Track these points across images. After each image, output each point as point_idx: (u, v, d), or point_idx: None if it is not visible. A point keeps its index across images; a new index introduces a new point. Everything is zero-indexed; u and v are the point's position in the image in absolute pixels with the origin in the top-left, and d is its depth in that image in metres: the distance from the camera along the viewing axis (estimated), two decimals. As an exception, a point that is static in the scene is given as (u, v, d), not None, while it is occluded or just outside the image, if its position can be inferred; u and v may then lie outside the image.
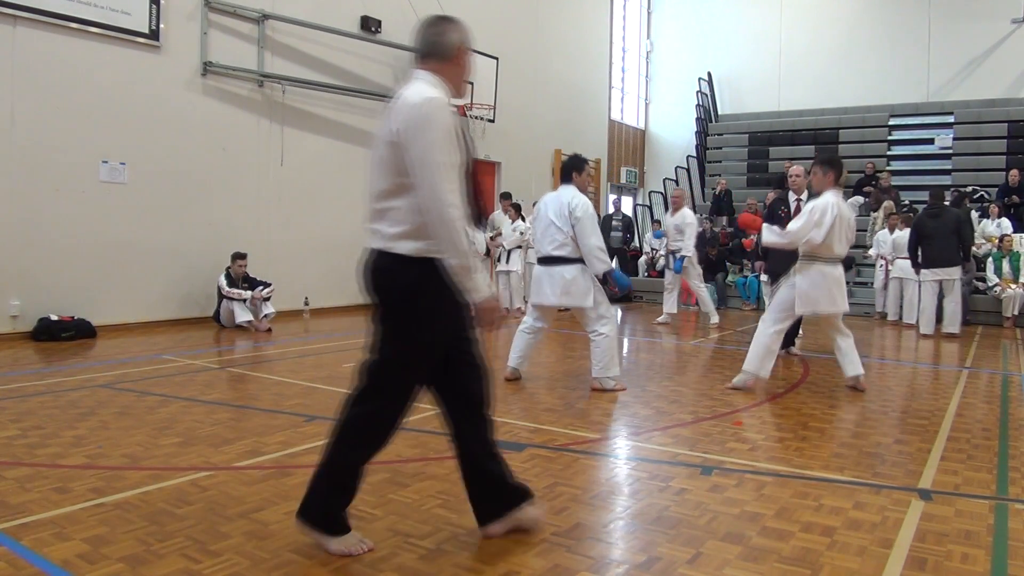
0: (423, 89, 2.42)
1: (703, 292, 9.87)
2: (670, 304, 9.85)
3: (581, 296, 5.14)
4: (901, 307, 10.21)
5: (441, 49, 2.54)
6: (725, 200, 14.53)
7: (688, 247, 9.49)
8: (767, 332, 5.37)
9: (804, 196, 6.71)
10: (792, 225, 5.24)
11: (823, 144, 15.22)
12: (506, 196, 11.11)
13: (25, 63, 7.32)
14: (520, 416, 4.50)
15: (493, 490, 2.62)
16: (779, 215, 7.06)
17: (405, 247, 2.38)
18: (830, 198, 5.21)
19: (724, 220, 14.23)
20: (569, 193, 5.16)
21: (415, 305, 2.42)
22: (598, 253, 5.06)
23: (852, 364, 5.38)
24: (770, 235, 5.36)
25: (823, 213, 5.13)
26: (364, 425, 2.57)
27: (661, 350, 7.68)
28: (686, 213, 9.66)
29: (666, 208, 11.76)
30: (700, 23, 17.76)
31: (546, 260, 5.22)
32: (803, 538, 2.69)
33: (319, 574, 2.35)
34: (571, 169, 5.31)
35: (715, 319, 9.72)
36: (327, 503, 2.49)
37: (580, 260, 5.11)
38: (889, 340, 8.82)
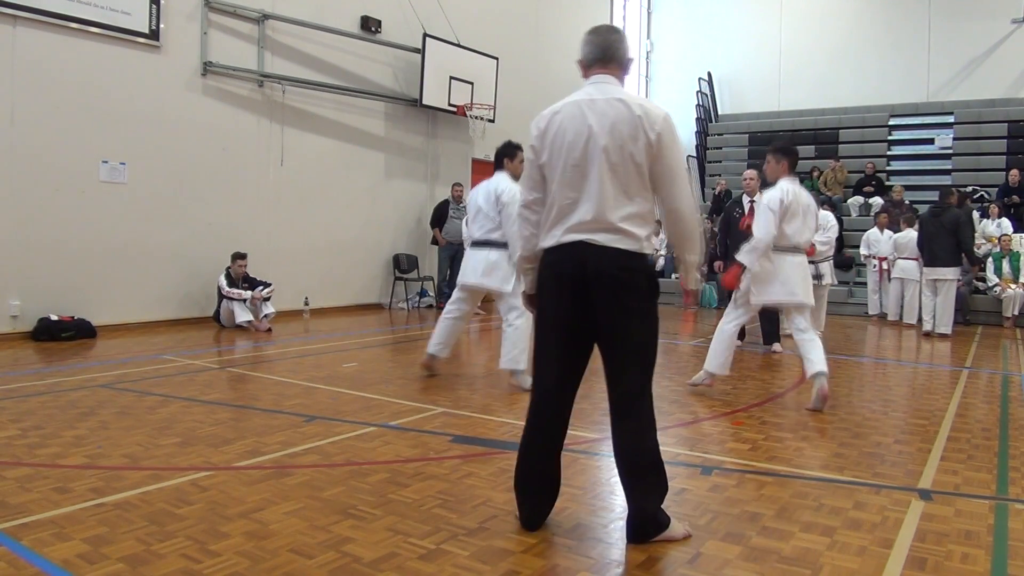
0: (644, 99, 2.64)
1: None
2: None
3: (501, 280, 5.24)
4: (902, 307, 10.20)
5: (623, 57, 2.73)
6: (725, 200, 14.51)
7: None
8: (724, 329, 5.28)
9: (757, 198, 6.42)
10: (756, 232, 5.02)
11: (823, 144, 15.23)
12: None
13: (25, 63, 7.32)
14: (520, 416, 4.49)
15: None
16: (735, 216, 7.33)
17: (649, 247, 2.59)
18: (784, 185, 5.04)
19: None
20: (498, 180, 5.26)
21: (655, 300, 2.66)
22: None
23: (810, 362, 4.87)
24: (750, 257, 4.99)
25: (772, 202, 4.97)
26: (652, 413, 2.66)
27: (661, 350, 7.67)
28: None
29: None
30: (700, 23, 17.75)
31: (475, 244, 5.39)
32: (803, 538, 2.69)
33: (319, 574, 2.35)
34: (502, 156, 5.38)
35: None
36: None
37: (499, 244, 5.24)
38: (889, 340, 8.82)
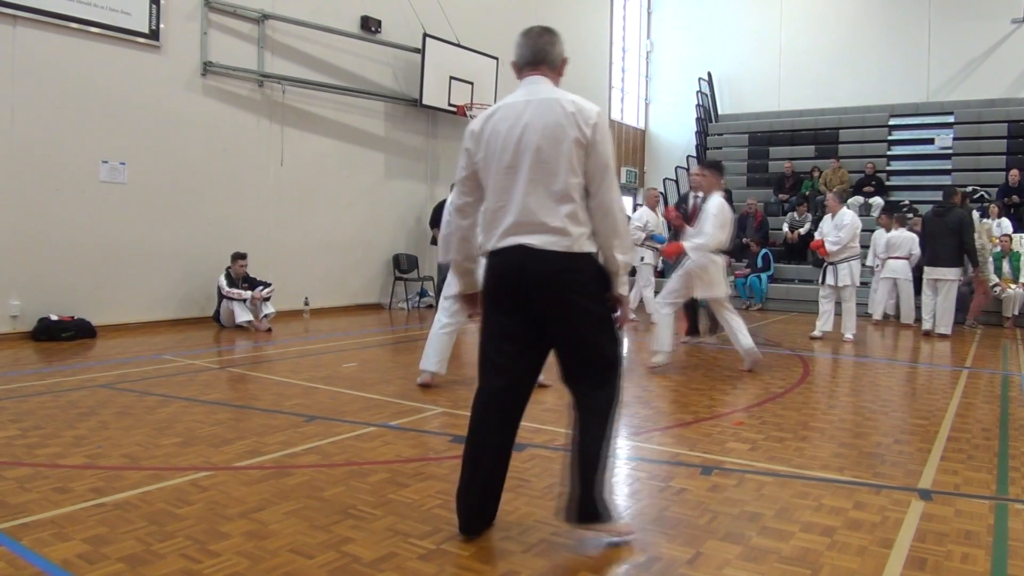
0: (577, 97, 2.60)
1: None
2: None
3: None
4: (897, 306, 10.18)
5: (555, 59, 2.73)
6: (725, 200, 14.51)
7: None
8: (663, 313, 6.25)
9: (701, 194, 7.22)
10: (707, 230, 5.98)
11: (823, 144, 15.24)
12: None
13: (25, 63, 7.32)
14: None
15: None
16: (682, 210, 7.81)
17: (590, 246, 2.56)
18: (721, 196, 6.14)
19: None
20: None
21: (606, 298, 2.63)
22: None
23: (744, 336, 6.15)
24: (696, 253, 6.06)
25: (724, 210, 6.05)
26: (612, 411, 2.65)
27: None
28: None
29: (667, 205, 11.77)
30: (700, 23, 17.75)
31: None
32: (803, 538, 2.69)
33: (319, 574, 2.35)
34: None
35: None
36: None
37: None
38: (889, 340, 8.82)
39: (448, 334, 5.28)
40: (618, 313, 2.63)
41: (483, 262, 2.69)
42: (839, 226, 8.41)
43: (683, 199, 8.02)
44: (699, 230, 6.10)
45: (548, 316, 2.55)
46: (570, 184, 2.51)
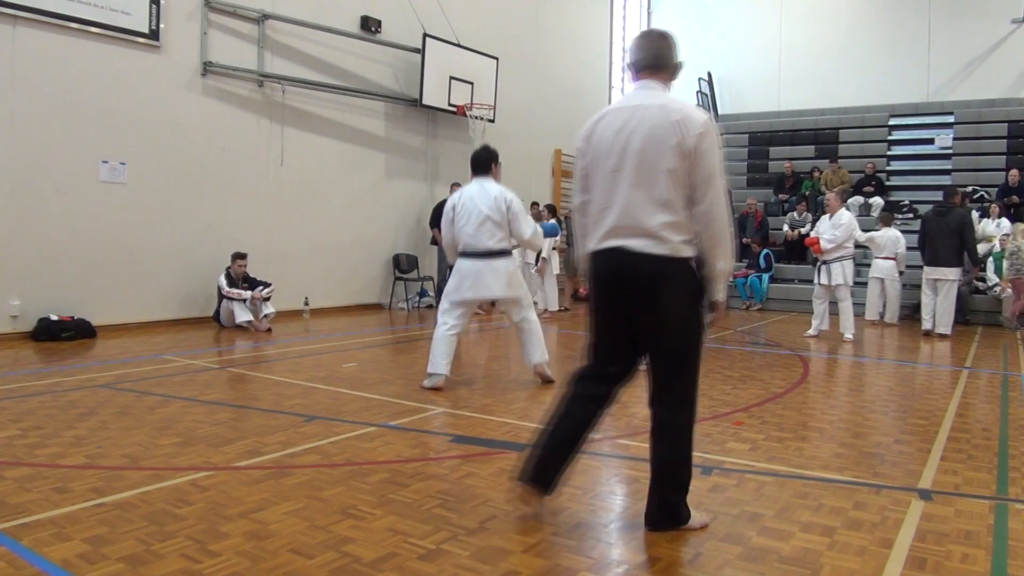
0: (686, 104, 2.64)
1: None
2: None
3: (518, 286, 5.31)
4: (884, 306, 10.16)
5: (671, 63, 2.74)
6: (725, 200, 14.50)
7: None
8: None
9: None
10: None
11: (823, 144, 15.23)
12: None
13: (25, 63, 7.32)
14: (520, 416, 4.50)
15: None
16: None
17: (688, 251, 2.60)
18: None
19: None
20: (495, 186, 5.15)
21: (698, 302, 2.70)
22: (539, 235, 5.39)
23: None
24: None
25: None
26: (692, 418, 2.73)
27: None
28: None
29: None
30: (700, 23, 17.74)
31: (484, 254, 5.11)
32: (803, 538, 2.69)
33: (319, 574, 2.35)
34: (490, 161, 5.27)
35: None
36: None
37: (510, 252, 5.22)
38: (888, 340, 8.82)
39: (454, 335, 5.23)
40: (712, 316, 2.69)
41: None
42: (836, 225, 8.45)
43: None
44: None
45: (642, 318, 2.61)
46: (671, 191, 2.55)
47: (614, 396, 2.78)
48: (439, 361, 5.15)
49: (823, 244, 8.45)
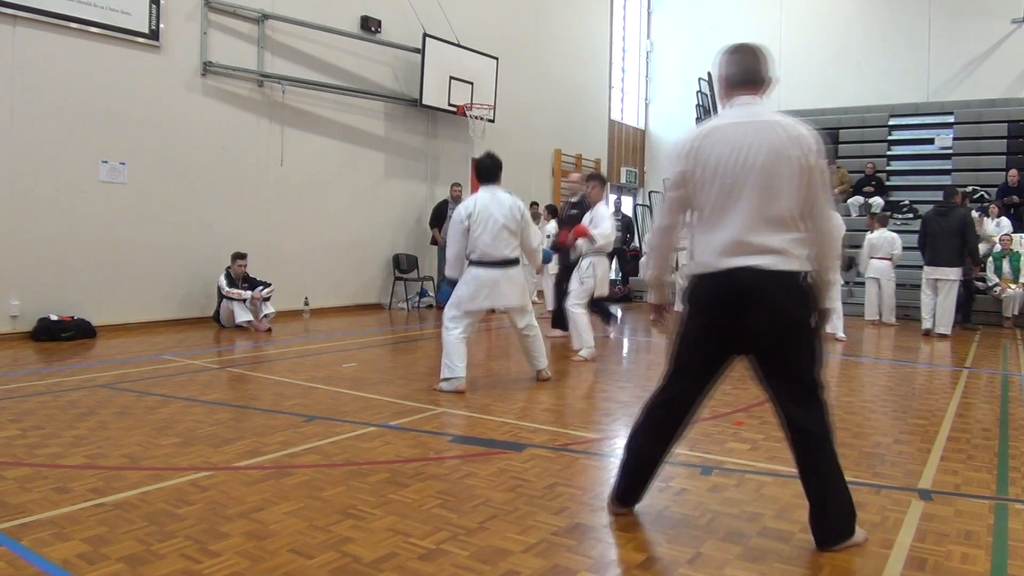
0: (794, 121, 2.63)
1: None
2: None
3: (528, 294, 5.47)
4: (880, 307, 10.16)
5: (767, 78, 2.72)
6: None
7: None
8: (576, 313, 6.79)
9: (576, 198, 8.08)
10: (606, 233, 6.81)
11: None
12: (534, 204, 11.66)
13: (25, 63, 7.32)
14: (520, 416, 4.50)
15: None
16: (570, 215, 8.03)
17: (807, 265, 2.62)
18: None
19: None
20: (507, 195, 5.21)
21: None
22: (540, 249, 5.64)
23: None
24: (599, 247, 6.88)
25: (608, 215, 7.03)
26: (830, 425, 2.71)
27: (661, 350, 7.68)
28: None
29: None
30: (700, 23, 17.75)
31: (501, 263, 5.14)
32: (803, 538, 2.69)
33: (319, 574, 2.35)
34: (499, 169, 5.31)
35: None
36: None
37: (519, 260, 5.32)
38: (887, 340, 8.82)
39: (464, 339, 5.17)
40: (819, 323, 2.68)
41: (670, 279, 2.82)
42: None
43: (577, 204, 8.19)
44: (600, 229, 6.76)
45: (766, 335, 2.58)
46: (792, 207, 2.55)
47: (696, 412, 2.78)
48: (456, 364, 5.10)
49: None
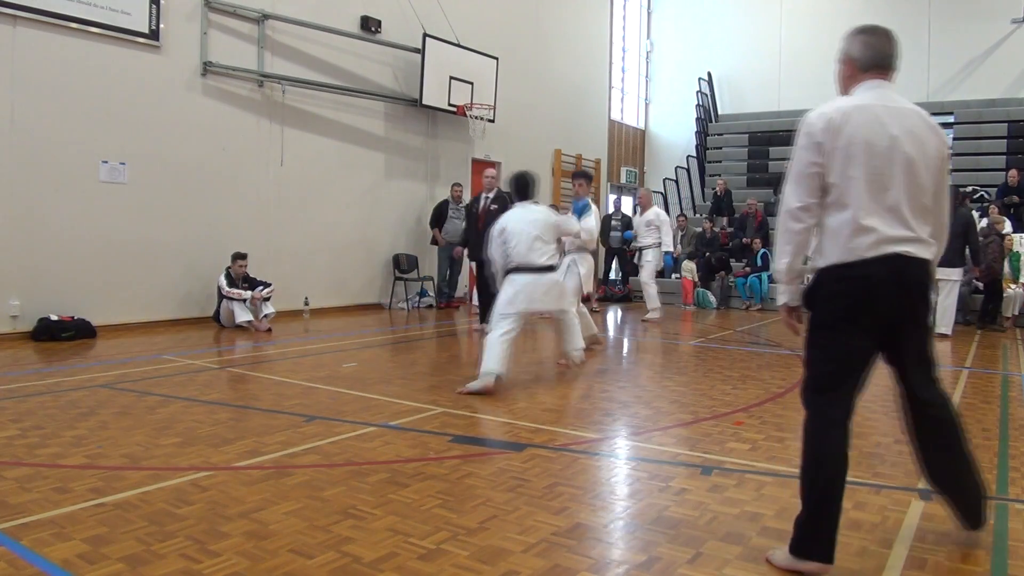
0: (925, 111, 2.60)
1: (651, 288, 10.30)
2: (653, 300, 10.20)
3: (563, 297, 5.80)
4: None
5: (896, 64, 2.71)
6: (725, 200, 14.53)
7: (667, 242, 10.32)
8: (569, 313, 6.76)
9: (490, 196, 8.46)
10: (590, 230, 7.07)
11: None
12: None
13: (25, 63, 7.32)
14: (520, 416, 4.50)
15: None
16: (473, 212, 8.63)
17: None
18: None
19: (724, 220, 14.24)
20: (539, 208, 5.72)
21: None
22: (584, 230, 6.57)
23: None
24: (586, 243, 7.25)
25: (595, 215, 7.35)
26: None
27: (661, 350, 7.68)
28: (657, 211, 10.42)
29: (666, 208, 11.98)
30: (700, 23, 17.75)
31: (537, 269, 5.49)
32: (803, 538, 2.68)
33: (319, 574, 2.35)
34: (533, 186, 5.85)
35: (653, 315, 10.10)
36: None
37: (556, 267, 5.70)
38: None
39: (509, 339, 5.28)
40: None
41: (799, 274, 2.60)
42: None
43: (475, 201, 8.79)
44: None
45: (907, 326, 2.54)
46: (930, 196, 2.54)
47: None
48: (487, 362, 5.15)
49: None
